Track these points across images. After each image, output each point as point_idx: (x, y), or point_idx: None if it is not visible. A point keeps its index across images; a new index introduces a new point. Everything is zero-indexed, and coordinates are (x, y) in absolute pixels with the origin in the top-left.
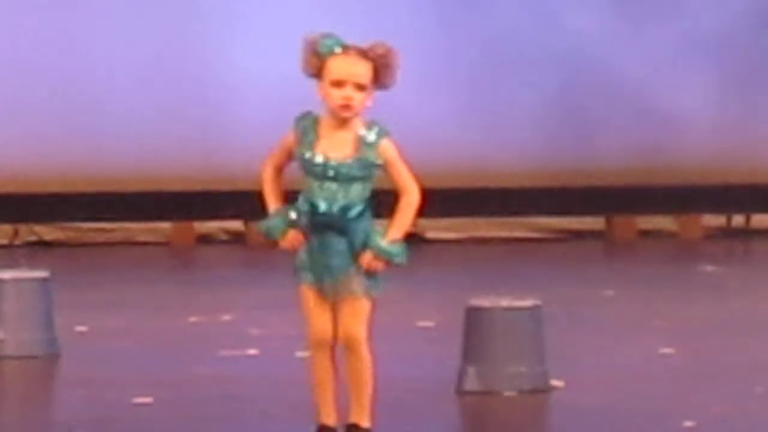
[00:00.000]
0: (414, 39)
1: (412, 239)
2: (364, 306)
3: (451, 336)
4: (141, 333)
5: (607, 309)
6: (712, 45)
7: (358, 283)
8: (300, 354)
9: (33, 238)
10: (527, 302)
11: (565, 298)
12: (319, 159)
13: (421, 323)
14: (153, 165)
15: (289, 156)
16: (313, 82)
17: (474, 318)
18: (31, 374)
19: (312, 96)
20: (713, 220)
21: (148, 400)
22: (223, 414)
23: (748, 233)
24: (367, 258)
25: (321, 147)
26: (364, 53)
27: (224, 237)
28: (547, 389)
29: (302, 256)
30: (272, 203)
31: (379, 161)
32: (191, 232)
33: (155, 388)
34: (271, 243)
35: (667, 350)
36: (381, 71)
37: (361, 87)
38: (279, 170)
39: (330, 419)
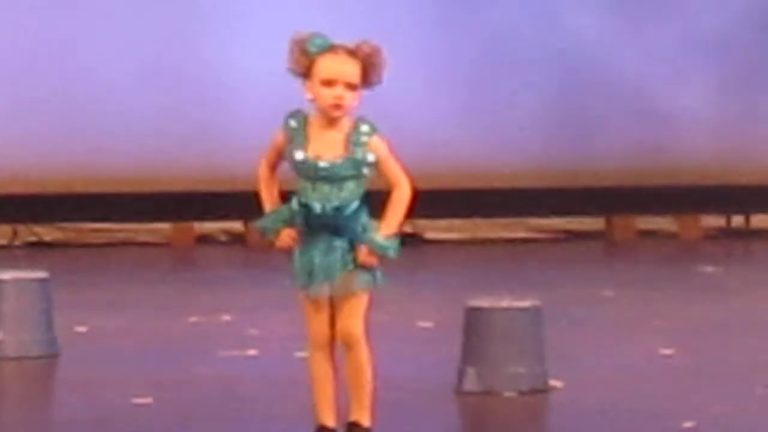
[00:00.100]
0: (414, 39)
1: (412, 239)
2: (361, 302)
3: (450, 336)
4: (141, 333)
5: (606, 309)
6: (712, 45)
7: (356, 281)
8: (300, 354)
9: (33, 238)
10: (527, 303)
11: (565, 299)
12: (310, 161)
13: (421, 323)
14: (153, 165)
15: (280, 155)
16: None
17: (474, 318)
18: (30, 374)
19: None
20: (713, 221)
21: (148, 400)
22: (223, 414)
23: (747, 233)
24: (362, 253)
25: (312, 148)
26: (352, 52)
27: (224, 237)
28: (547, 390)
29: (296, 262)
30: (267, 202)
31: (371, 158)
32: (191, 233)
33: (155, 388)
34: (270, 243)
35: (667, 350)
36: (368, 70)
37: (351, 86)
38: (273, 169)
39: (330, 419)
